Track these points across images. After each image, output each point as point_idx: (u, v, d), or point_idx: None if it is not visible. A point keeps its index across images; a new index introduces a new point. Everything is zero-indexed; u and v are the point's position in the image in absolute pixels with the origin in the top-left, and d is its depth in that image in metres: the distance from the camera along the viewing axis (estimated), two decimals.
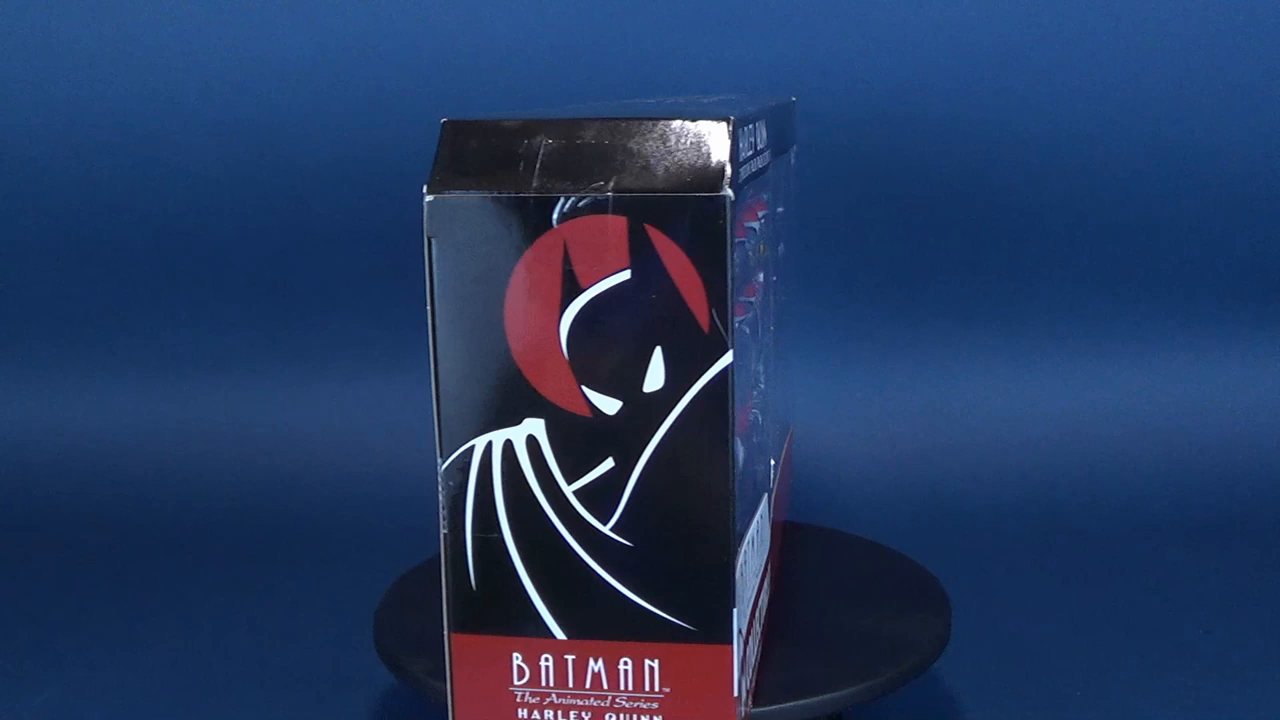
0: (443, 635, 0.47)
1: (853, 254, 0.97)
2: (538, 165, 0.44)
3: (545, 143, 0.44)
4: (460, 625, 0.46)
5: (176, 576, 0.83)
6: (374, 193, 1.00)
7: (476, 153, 0.44)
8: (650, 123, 0.44)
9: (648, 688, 0.46)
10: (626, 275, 0.43)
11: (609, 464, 0.45)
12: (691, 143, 0.44)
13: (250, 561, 0.86)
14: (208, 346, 1.03)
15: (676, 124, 0.44)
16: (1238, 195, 0.96)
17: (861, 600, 0.60)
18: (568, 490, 0.45)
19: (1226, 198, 0.96)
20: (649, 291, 0.43)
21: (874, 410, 0.96)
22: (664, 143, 0.44)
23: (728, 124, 0.44)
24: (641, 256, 0.43)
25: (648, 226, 0.43)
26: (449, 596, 0.46)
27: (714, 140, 0.44)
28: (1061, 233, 0.97)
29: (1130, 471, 0.91)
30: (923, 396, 0.96)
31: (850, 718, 0.61)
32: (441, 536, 0.46)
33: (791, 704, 0.50)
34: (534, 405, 0.45)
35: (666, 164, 0.43)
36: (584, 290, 0.44)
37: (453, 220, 0.44)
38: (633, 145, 0.44)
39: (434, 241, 0.44)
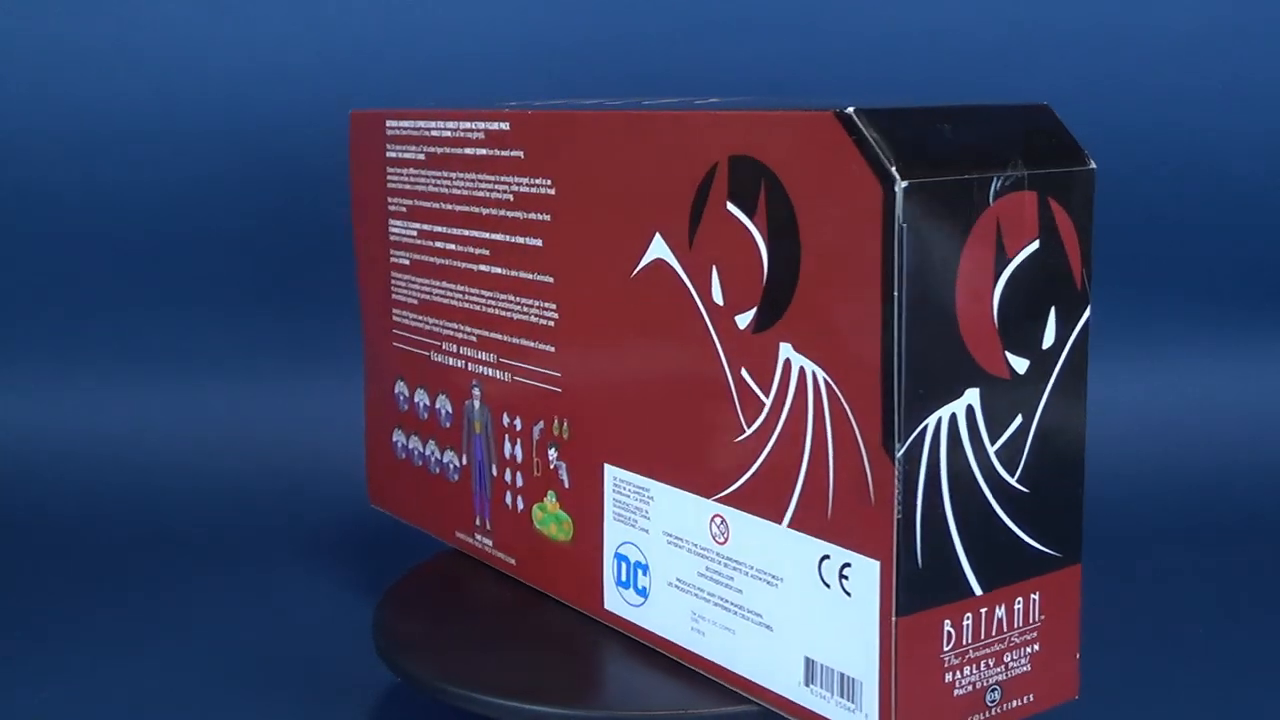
0: (877, 623, 0.47)
1: None
2: (959, 149, 0.46)
3: (946, 128, 0.47)
4: (906, 608, 0.47)
5: (176, 576, 0.82)
6: None
7: (910, 141, 0.45)
8: (1009, 107, 0.48)
9: (1031, 620, 0.50)
10: (1036, 245, 0.48)
11: (1019, 420, 0.48)
12: (1043, 123, 0.49)
13: (250, 561, 0.85)
14: (208, 346, 1.02)
15: (1020, 106, 0.49)
16: (1240, 196, 0.98)
17: None
18: (990, 451, 0.48)
19: (1228, 198, 0.98)
20: (1052, 258, 0.48)
21: None
22: (1022, 125, 0.48)
23: (1046, 106, 0.50)
24: (1046, 227, 0.48)
25: (1050, 199, 0.48)
26: (898, 582, 0.46)
27: (1052, 120, 0.49)
28: None
29: (1130, 471, 0.93)
30: None
31: None
32: (895, 522, 0.46)
33: None
34: (973, 376, 0.47)
35: (1039, 143, 0.48)
36: (1010, 261, 0.47)
37: (923, 205, 0.45)
38: (1002, 128, 0.48)
39: (906, 228, 0.44)
